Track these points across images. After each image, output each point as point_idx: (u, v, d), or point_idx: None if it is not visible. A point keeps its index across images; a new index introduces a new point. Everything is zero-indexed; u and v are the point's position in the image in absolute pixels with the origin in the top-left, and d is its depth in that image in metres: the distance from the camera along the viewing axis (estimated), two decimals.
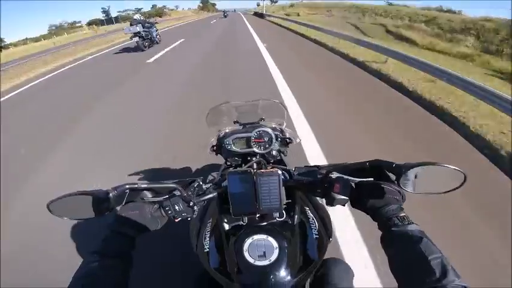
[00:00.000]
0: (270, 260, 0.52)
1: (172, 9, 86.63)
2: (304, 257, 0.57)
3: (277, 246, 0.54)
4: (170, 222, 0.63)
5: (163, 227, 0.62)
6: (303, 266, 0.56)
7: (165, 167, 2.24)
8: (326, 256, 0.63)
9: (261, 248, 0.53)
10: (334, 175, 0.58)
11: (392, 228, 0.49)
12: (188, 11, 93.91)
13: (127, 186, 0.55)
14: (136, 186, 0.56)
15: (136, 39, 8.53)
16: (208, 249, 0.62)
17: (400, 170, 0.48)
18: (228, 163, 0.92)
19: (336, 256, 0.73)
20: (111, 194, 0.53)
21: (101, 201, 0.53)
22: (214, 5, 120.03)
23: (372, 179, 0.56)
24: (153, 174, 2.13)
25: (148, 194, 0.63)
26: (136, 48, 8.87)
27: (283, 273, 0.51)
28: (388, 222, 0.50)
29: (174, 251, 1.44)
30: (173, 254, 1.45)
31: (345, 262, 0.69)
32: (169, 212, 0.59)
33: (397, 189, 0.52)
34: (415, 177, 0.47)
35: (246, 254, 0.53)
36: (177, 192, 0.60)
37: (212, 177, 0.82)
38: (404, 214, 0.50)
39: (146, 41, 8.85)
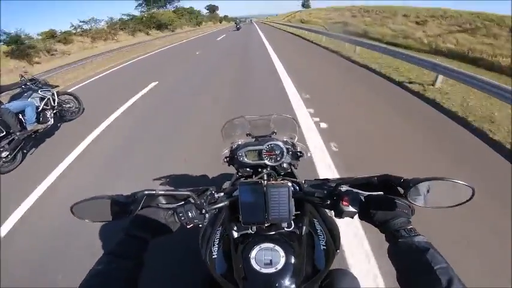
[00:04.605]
0: (276, 268, 0.57)
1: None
2: (311, 267, 0.63)
3: (283, 255, 0.59)
4: (182, 228, 0.69)
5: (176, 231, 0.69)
6: (309, 276, 0.61)
7: None
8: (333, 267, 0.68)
9: (267, 256, 0.59)
10: (344, 188, 0.64)
11: (399, 240, 0.53)
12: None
13: (146, 192, 0.63)
14: (154, 192, 0.64)
15: None
16: (216, 256, 0.68)
17: (408, 184, 0.53)
18: (240, 174, 1.01)
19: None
20: (130, 199, 0.62)
21: (119, 205, 0.61)
22: (212, 9, 77.25)
23: (382, 193, 0.61)
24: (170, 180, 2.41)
25: (163, 200, 0.70)
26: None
27: (288, 282, 0.56)
28: (395, 233, 0.54)
29: (181, 257, 1.66)
30: (180, 260, 1.66)
31: (351, 273, 0.74)
32: (182, 218, 0.66)
33: (406, 203, 0.57)
34: (425, 191, 0.53)
35: (253, 262, 0.58)
36: (191, 200, 0.68)
37: (225, 187, 0.91)
38: (411, 226, 0.55)
39: (3, 146, 3.26)
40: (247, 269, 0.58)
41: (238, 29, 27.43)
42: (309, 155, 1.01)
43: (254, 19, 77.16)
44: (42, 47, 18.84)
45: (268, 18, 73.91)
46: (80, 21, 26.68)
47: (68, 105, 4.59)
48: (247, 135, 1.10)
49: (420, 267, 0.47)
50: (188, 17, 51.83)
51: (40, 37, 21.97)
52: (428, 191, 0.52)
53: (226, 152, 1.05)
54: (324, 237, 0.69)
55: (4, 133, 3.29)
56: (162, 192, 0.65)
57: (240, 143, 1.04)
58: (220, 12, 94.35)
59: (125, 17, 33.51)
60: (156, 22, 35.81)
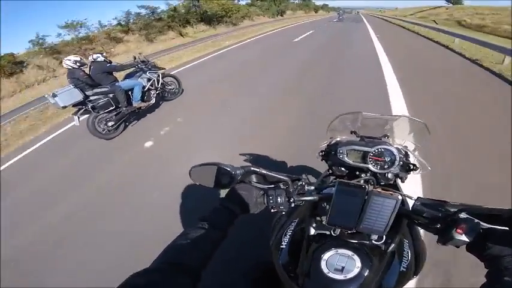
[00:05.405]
0: (346, 277, 0.55)
1: None
2: (379, 285, 0.60)
3: (359, 266, 0.56)
4: (266, 211, 0.71)
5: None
6: None
7: None
8: None
9: (341, 263, 0.57)
10: (463, 215, 0.56)
11: (505, 278, 0.48)
12: None
13: (252, 168, 0.69)
14: (258, 170, 0.69)
15: (75, 118, 3.82)
16: (284, 246, 0.69)
17: None
18: (332, 171, 0.95)
19: None
20: (233, 171, 0.67)
21: (223, 175, 0.67)
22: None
23: (507, 228, 0.53)
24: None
25: (255, 178, 0.73)
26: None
27: None
28: (504, 272, 0.49)
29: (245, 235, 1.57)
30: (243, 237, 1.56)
31: None
32: (271, 201, 0.68)
33: None
34: None
35: (323, 263, 0.57)
36: (282, 185, 0.69)
37: (305, 178, 0.84)
38: None
39: (111, 116, 3.97)
40: (315, 268, 0.57)
41: (340, 20, 24.82)
42: (423, 170, 0.84)
43: (362, 11, 66.93)
44: None
45: (383, 11, 54.36)
46: (62, 26, 15.70)
47: (170, 87, 5.13)
48: (351, 132, 1.01)
49: None
50: (267, 4, 33.41)
51: None
52: None
53: (324, 146, 0.99)
54: (407, 260, 0.66)
55: (114, 107, 3.99)
56: (265, 172, 0.69)
57: (339, 139, 0.97)
58: (319, 0, 74.44)
59: (144, 11, 19.20)
60: (200, 13, 20.73)
